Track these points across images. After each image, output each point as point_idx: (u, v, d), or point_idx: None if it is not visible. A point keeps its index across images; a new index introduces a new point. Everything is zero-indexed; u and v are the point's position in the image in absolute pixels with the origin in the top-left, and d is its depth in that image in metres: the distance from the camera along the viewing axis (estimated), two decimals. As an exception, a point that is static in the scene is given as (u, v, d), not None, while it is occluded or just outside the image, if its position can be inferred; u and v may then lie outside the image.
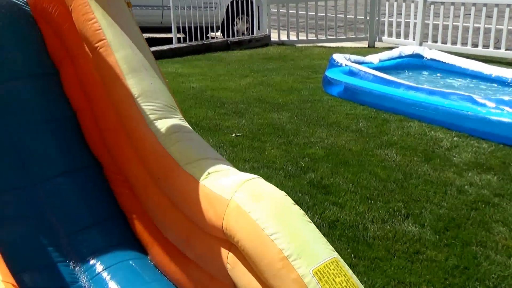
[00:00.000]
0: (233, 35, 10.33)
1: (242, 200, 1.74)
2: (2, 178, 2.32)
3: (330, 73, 6.37)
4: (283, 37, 10.55)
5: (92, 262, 2.24)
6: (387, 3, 9.85)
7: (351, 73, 6.23)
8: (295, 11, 10.41)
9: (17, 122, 2.53)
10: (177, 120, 2.21)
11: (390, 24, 9.97)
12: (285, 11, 10.48)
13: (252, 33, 10.48)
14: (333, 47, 10.03)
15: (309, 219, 1.75)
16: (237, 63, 8.43)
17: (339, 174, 3.87)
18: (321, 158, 4.19)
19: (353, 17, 10.39)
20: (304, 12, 10.36)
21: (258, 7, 10.26)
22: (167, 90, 2.30)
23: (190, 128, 2.20)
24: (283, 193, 1.81)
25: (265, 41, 10.14)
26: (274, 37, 10.47)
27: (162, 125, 2.15)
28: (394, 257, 2.81)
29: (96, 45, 2.33)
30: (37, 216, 2.31)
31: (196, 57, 8.84)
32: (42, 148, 2.51)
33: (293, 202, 1.79)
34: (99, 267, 2.20)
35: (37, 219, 2.30)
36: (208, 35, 10.09)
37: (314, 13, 10.42)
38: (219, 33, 10.53)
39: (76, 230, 2.32)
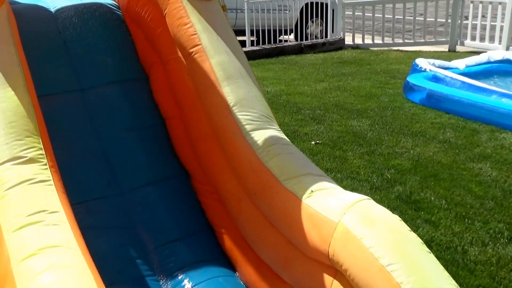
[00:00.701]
0: (306, 38, 10.15)
1: (352, 224, 1.58)
2: (93, 185, 2.28)
3: (413, 79, 6.06)
4: (358, 40, 10.24)
5: (180, 277, 2.14)
6: (471, 5, 9.31)
7: (436, 79, 5.88)
8: (370, 14, 10.08)
9: (106, 128, 2.49)
10: (275, 131, 2.07)
11: (474, 27, 9.43)
12: (361, 13, 10.16)
13: (326, 36, 10.25)
14: (411, 51, 9.61)
15: (428, 249, 1.56)
16: (311, 67, 8.24)
17: (430, 188, 3.60)
18: (408, 170, 3.93)
19: (432, 19, 9.90)
20: (380, 15, 10.00)
21: (333, 10, 10.01)
22: (263, 99, 2.18)
23: (288, 140, 2.06)
24: (397, 217, 1.63)
25: (339, 45, 9.88)
26: (348, 40, 10.19)
27: (259, 136, 2.02)
28: (500, 286, 2.55)
29: (191, 50, 2.24)
30: (126, 227, 2.25)
31: (269, 61, 8.73)
32: (130, 156, 2.46)
33: (409, 228, 1.60)
34: (187, 284, 2.10)
35: (126, 229, 2.24)
36: (281, 38, 9.97)
37: (391, 16, 10.03)
38: (291, 36, 10.39)
39: (164, 243, 2.23)
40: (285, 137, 2.07)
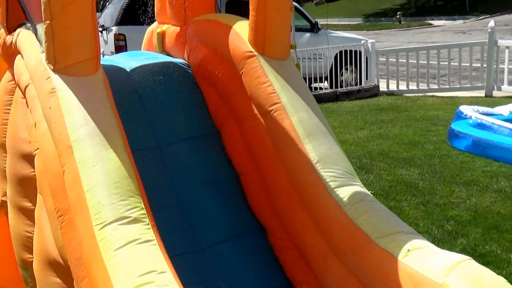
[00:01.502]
0: (340, 86, 10.27)
1: (459, 286, 1.56)
2: (174, 242, 2.30)
3: (457, 126, 6.04)
4: (392, 86, 10.31)
5: None
6: (506, 50, 9.34)
7: (481, 126, 5.85)
8: (404, 60, 10.18)
9: (183, 183, 2.54)
10: (359, 187, 2.09)
11: (510, 71, 9.42)
12: (394, 59, 10.26)
13: (360, 83, 10.35)
14: (447, 97, 9.61)
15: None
16: (349, 114, 8.30)
17: (494, 241, 3.54)
18: (467, 221, 3.87)
19: (467, 64, 9.92)
20: (414, 60, 10.08)
21: (366, 57, 10.14)
22: (344, 155, 2.21)
23: (373, 197, 2.07)
24: (503, 279, 1.60)
25: (374, 91, 9.96)
26: (382, 87, 10.27)
27: (345, 193, 2.04)
28: None
29: (270, 108, 2.30)
30: (206, 283, 2.26)
31: (306, 108, 8.83)
32: (207, 211, 2.49)
33: (516, 289, 1.58)
34: None
35: (206, 286, 2.25)
36: (315, 85, 10.11)
37: (425, 61, 10.10)
38: (326, 84, 10.52)
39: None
40: (369, 193, 2.08)
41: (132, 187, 1.79)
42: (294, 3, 11.73)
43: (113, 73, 2.71)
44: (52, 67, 2.01)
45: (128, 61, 2.89)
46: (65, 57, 1.99)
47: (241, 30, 2.52)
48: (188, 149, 2.66)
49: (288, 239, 2.32)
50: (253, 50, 2.41)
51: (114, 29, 9.41)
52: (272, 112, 2.29)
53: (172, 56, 3.12)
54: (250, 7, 2.39)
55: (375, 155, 5.79)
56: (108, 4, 11.62)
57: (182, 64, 2.93)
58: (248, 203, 2.56)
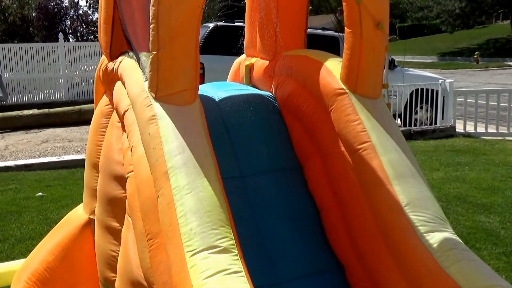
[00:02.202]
0: (414, 124, 10.03)
1: None
2: (252, 273, 2.30)
3: (543, 175, 5.70)
4: (469, 128, 9.95)
5: None
6: None
7: None
8: (484, 101, 9.82)
9: (263, 215, 2.55)
10: (450, 234, 2.01)
11: None
12: (473, 100, 9.92)
13: (435, 122, 10.07)
14: (529, 142, 9.15)
15: None
16: (424, 154, 8.06)
17: None
18: (556, 277, 3.61)
19: (551, 109, 9.43)
20: (494, 102, 9.71)
21: (443, 97, 9.88)
22: (435, 200, 2.14)
23: (466, 246, 1.98)
24: None
25: (449, 132, 9.65)
26: (459, 128, 9.93)
27: (436, 239, 1.97)
28: None
29: (359, 147, 2.28)
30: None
31: (378, 145, 8.67)
32: (286, 246, 2.48)
33: None
34: None
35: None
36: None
37: (507, 104, 9.70)
38: (399, 121, 10.32)
39: None
40: (461, 241, 2.00)
41: (223, 216, 1.82)
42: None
43: (203, 102, 2.79)
44: (154, 95, 2.11)
45: (217, 91, 2.97)
46: (167, 86, 2.08)
47: (332, 67, 2.54)
48: (270, 181, 2.67)
49: (369, 280, 2.26)
50: (344, 88, 2.42)
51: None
52: (361, 150, 2.27)
53: (259, 89, 3.19)
54: (345, 45, 2.41)
55: (452, 199, 5.57)
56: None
57: (269, 97, 2.97)
58: (328, 239, 2.53)
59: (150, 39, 2.05)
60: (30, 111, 11.83)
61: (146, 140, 2.04)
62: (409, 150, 2.30)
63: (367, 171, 2.23)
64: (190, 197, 1.82)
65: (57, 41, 16.00)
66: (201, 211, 1.79)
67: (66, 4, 35.15)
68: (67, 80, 15.56)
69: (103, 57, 2.89)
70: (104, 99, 2.87)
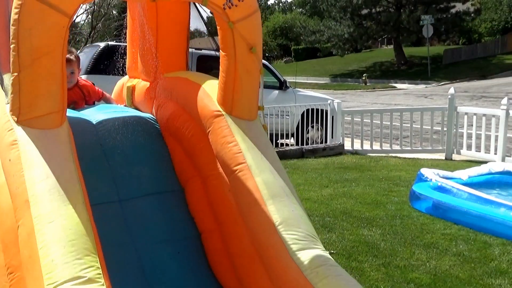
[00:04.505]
0: (306, 143, 10.42)
1: None
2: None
3: (418, 188, 6.16)
4: (356, 146, 10.52)
5: None
6: (465, 116, 9.73)
7: (442, 189, 5.99)
8: (369, 120, 10.45)
9: (143, 239, 2.50)
10: (321, 251, 2.09)
11: (469, 136, 9.77)
12: (359, 119, 10.53)
13: (325, 141, 10.54)
14: (409, 158, 9.86)
15: None
16: (314, 172, 8.37)
17: (453, 306, 3.55)
18: (427, 284, 3.89)
19: (429, 127, 10.27)
20: (378, 121, 10.37)
21: (332, 116, 10.39)
22: (307, 218, 2.22)
23: (334, 261, 2.07)
24: None
25: (339, 150, 10.12)
26: (347, 145, 10.46)
27: (306, 256, 2.03)
28: None
29: (235, 168, 2.31)
30: None
31: (272, 164, 8.88)
32: (165, 269, 2.44)
33: None
34: None
35: None
36: (282, 141, 10.24)
37: (388, 122, 10.40)
38: (292, 140, 10.67)
39: None
40: (331, 257, 2.09)
41: (89, 245, 1.74)
42: (263, 61, 12.04)
43: (78, 125, 2.69)
44: (16, 118, 1.99)
45: (95, 113, 2.88)
46: (30, 109, 1.98)
47: (210, 89, 2.57)
48: (150, 204, 2.63)
49: (248, 301, 2.28)
50: (221, 110, 2.45)
51: (84, 77, 9.38)
52: (237, 171, 2.31)
53: (141, 111, 3.14)
54: (220, 68, 2.45)
55: (338, 214, 5.82)
56: (79, 53, 11.67)
57: (150, 119, 2.94)
58: (209, 262, 2.52)
59: (11, 60, 1.94)
60: None
61: (7, 167, 1.92)
62: (283, 170, 2.38)
63: (243, 192, 2.27)
64: (53, 226, 1.73)
65: None
66: (64, 241, 1.70)
67: None
68: None
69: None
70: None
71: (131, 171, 2.68)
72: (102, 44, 10.08)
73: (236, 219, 2.33)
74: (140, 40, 3.02)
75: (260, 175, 2.26)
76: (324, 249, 2.13)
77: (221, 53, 2.41)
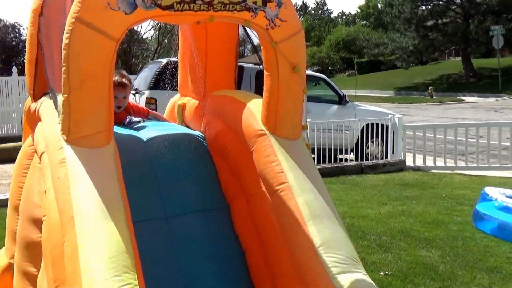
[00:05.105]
0: (366, 158, 10.22)
1: None
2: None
3: (482, 208, 5.88)
4: (419, 162, 10.19)
5: None
6: (537, 131, 9.21)
7: (508, 209, 5.68)
8: (432, 134, 10.11)
9: (187, 256, 2.53)
10: (362, 275, 2.03)
11: (541, 153, 9.23)
12: (421, 134, 10.21)
13: (386, 157, 10.28)
14: (475, 176, 9.43)
15: None
16: (373, 188, 8.19)
17: (515, 335, 3.34)
18: (488, 311, 3.69)
19: (496, 142, 9.78)
20: (442, 136, 10.01)
21: (393, 131, 10.13)
22: (349, 241, 2.17)
23: (375, 285, 2.01)
24: None
25: (399, 166, 9.86)
26: (409, 161, 10.16)
27: (346, 280, 1.99)
28: None
29: (277, 187, 2.30)
30: None
31: (330, 180, 8.76)
32: (207, 286, 2.46)
33: None
34: None
35: None
36: (341, 156, 10.09)
37: (453, 137, 10.01)
38: (351, 155, 10.50)
39: None
40: (371, 282, 2.03)
41: (128, 262, 1.79)
42: (323, 75, 11.99)
43: (129, 142, 2.78)
44: (66, 138, 2.09)
45: (147, 130, 2.97)
46: (79, 129, 2.07)
47: (255, 108, 2.59)
48: (196, 222, 2.66)
49: (289, 322, 2.25)
50: (264, 129, 2.46)
51: (146, 92, 9.74)
52: (279, 191, 2.30)
53: (191, 128, 3.20)
54: (264, 88, 2.46)
55: (396, 233, 5.65)
56: (145, 68, 12.12)
57: (199, 136, 2.99)
58: (251, 280, 2.52)
59: (62, 82, 2.05)
60: (-25, 146, 11.48)
61: (56, 184, 2.01)
62: (325, 191, 2.35)
63: (284, 212, 2.25)
64: (94, 243, 1.79)
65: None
66: (105, 257, 1.76)
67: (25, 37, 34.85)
68: (21, 114, 15.23)
69: (29, 97, 2.86)
70: (29, 140, 2.82)
71: (179, 188, 2.73)
72: (164, 60, 10.41)
73: (278, 238, 2.31)
74: (190, 59, 3.09)
75: (302, 195, 2.24)
76: (365, 273, 2.08)
77: (265, 73, 2.43)
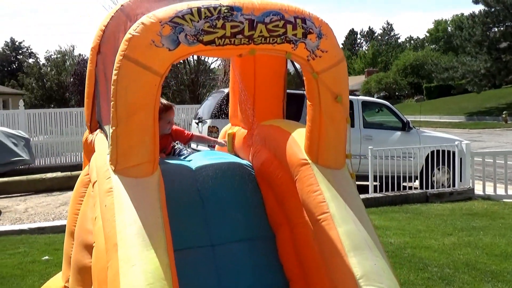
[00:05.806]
0: (432, 186, 9.85)
1: None
2: None
3: (556, 241, 5.49)
4: (489, 190, 9.69)
5: None
6: None
7: None
8: (502, 161, 9.61)
9: (231, 284, 2.55)
10: (403, 309, 1.97)
11: None
12: (491, 160, 9.73)
13: (453, 185, 9.87)
14: (551, 205, 8.84)
15: None
16: (438, 218, 7.87)
17: None
18: None
19: None
20: (514, 164, 9.49)
21: (461, 158, 9.73)
22: (391, 272, 2.12)
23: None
24: None
25: (468, 195, 9.42)
26: (478, 189, 9.69)
27: (386, 313, 1.93)
28: None
29: (319, 217, 2.30)
30: None
31: (392, 209, 8.53)
32: (252, 315, 2.46)
33: None
34: None
35: None
36: (405, 184, 9.80)
37: (526, 166, 9.47)
38: (416, 183, 10.16)
39: None
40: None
41: (167, 289, 1.84)
42: (385, 101, 11.80)
43: (179, 171, 2.88)
44: (114, 168, 2.20)
45: (198, 160, 3.06)
46: (125, 159, 2.18)
47: (299, 137, 2.61)
48: (242, 250, 2.69)
49: None
50: (307, 158, 2.47)
51: (209, 121, 9.99)
52: (321, 221, 2.29)
53: (240, 157, 3.27)
54: (307, 117, 2.48)
55: (460, 266, 5.38)
56: (209, 97, 12.46)
57: (247, 165, 3.04)
58: (296, 311, 2.50)
59: (111, 115, 2.18)
60: (54, 174, 12.15)
61: (103, 211, 2.12)
62: (368, 221, 2.31)
63: (325, 242, 2.24)
64: (134, 269, 1.86)
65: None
66: (143, 284, 1.82)
67: (101, 70, 36.81)
68: (93, 143, 15.96)
69: (87, 129, 3.04)
70: (86, 169, 2.99)
71: (226, 216, 2.78)
72: (226, 90, 10.65)
73: (319, 268, 2.29)
74: (240, 90, 3.18)
75: (343, 225, 2.22)
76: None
77: (308, 103, 2.45)
